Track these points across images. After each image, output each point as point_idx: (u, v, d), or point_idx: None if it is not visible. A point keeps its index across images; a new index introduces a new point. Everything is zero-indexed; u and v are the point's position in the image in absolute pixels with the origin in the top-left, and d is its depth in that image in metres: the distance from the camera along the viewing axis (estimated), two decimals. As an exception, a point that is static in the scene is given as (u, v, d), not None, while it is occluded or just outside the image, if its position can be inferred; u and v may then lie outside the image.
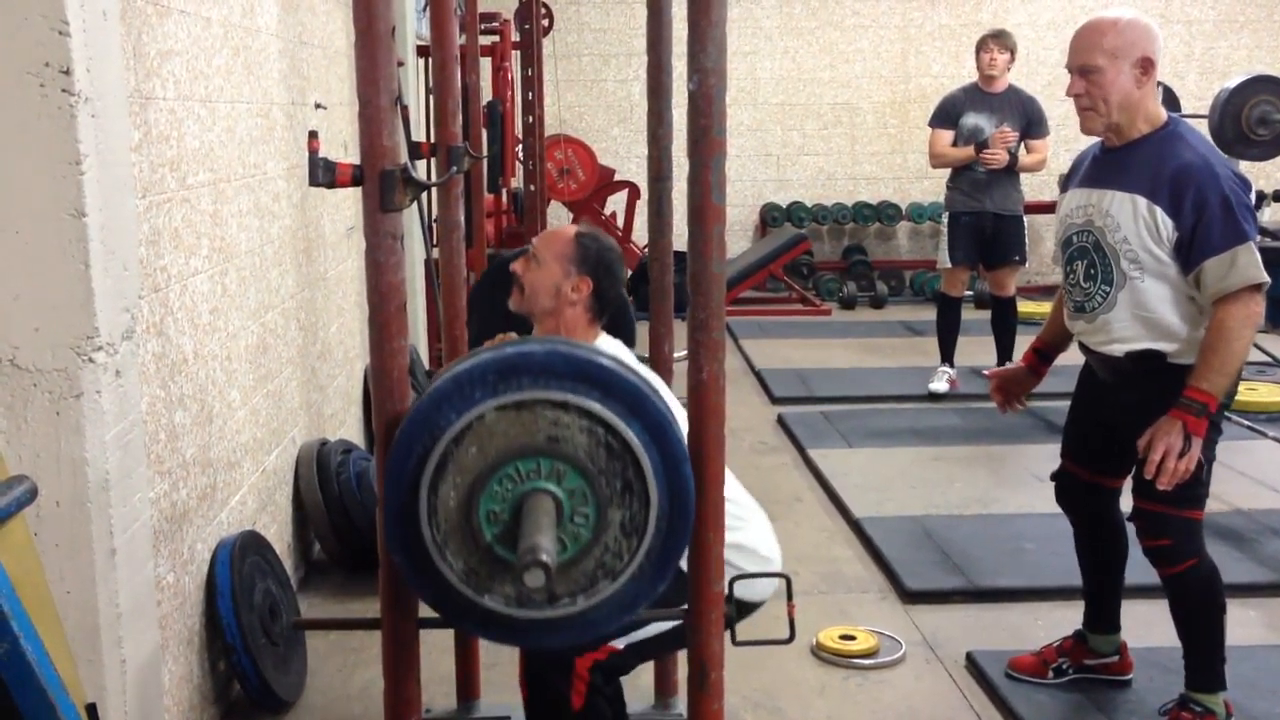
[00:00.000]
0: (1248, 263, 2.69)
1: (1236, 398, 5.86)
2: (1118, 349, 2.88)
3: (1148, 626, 3.45)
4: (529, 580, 1.60)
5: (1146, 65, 2.79)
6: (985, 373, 3.47)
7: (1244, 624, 3.69)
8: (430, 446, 1.71)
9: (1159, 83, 7.29)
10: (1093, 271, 2.88)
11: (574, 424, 1.71)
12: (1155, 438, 2.73)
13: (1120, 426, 2.93)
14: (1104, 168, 2.91)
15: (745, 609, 2.44)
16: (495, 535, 1.72)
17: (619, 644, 2.36)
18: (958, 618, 3.74)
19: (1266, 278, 2.72)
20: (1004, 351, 6.28)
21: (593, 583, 1.76)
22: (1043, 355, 3.24)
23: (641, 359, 2.60)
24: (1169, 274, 2.78)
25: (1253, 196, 2.80)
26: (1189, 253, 2.73)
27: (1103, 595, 3.22)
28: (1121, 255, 2.82)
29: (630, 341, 2.75)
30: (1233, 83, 6.18)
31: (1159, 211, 2.75)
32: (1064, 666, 3.25)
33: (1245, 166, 6.51)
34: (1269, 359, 6.54)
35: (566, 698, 2.35)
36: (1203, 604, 2.92)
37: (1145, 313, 2.82)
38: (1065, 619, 3.38)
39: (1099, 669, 3.25)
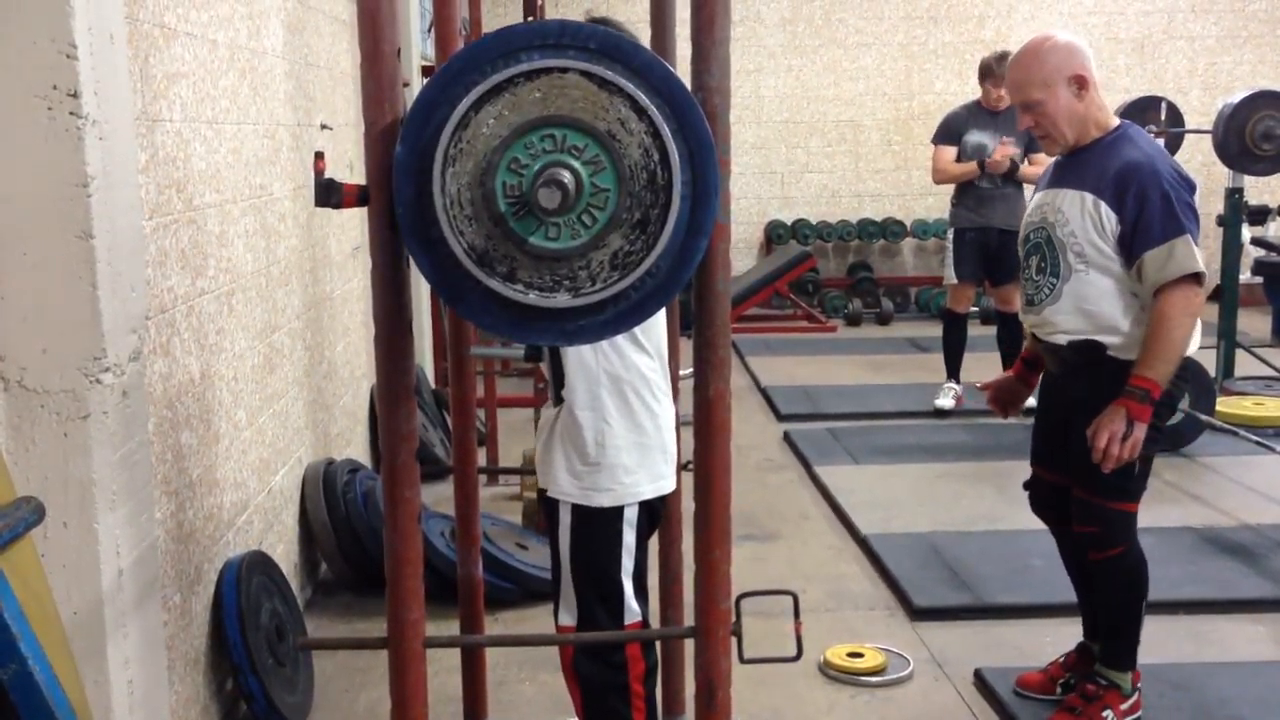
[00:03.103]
0: (1184, 254, 2.81)
1: (1243, 413, 5.92)
2: (1061, 339, 3.01)
3: (1160, 644, 3.44)
4: (544, 199, 1.58)
5: (1081, 81, 2.93)
6: (979, 385, 3.60)
7: (1252, 640, 3.67)
8: (498, 66, 1.65)
9: (1161, 99, 7.27)
10: (1043, 265, 3.03)
11: (637, 135, 1.66)
12: (1100, 425, 2.85)
13: (1070, 423, 3.04)
14: (1062, 170, 3.07)
15: (657, 512, 2.55)
16: (509, 202, 1.66)
17: (633, 619, 2.47)
18: (966, 635, 3.73)
19: (1202, 268, 2.83)
20: (1010, 367, 6.26)
21: (581, 285, 1.71)
22: (1029, 364, 3.36)
23: None
24: (1112, 268, 2.91)
25: (1196, 197, 2.93)
26: (1130, 245, 2.86)
27: (1096, 602, 3.25)
28: (1069, 248, 2.96)
29: None
30: (1236, 98, 6.19)
31: (1103, 206, 2.89)
32: (1071, 682, 3.24)
33: (1249, 181, 6.51)
34: (1276, 374, 6.53)
35: (629, 717, 2.48)
36: (1124, 590, 3.03)
37: (1087, 305, 2.95)
38: (1073, 635, 3.36)
39: None
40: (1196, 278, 2.82)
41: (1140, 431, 2.83)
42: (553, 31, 1.67)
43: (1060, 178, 3.05)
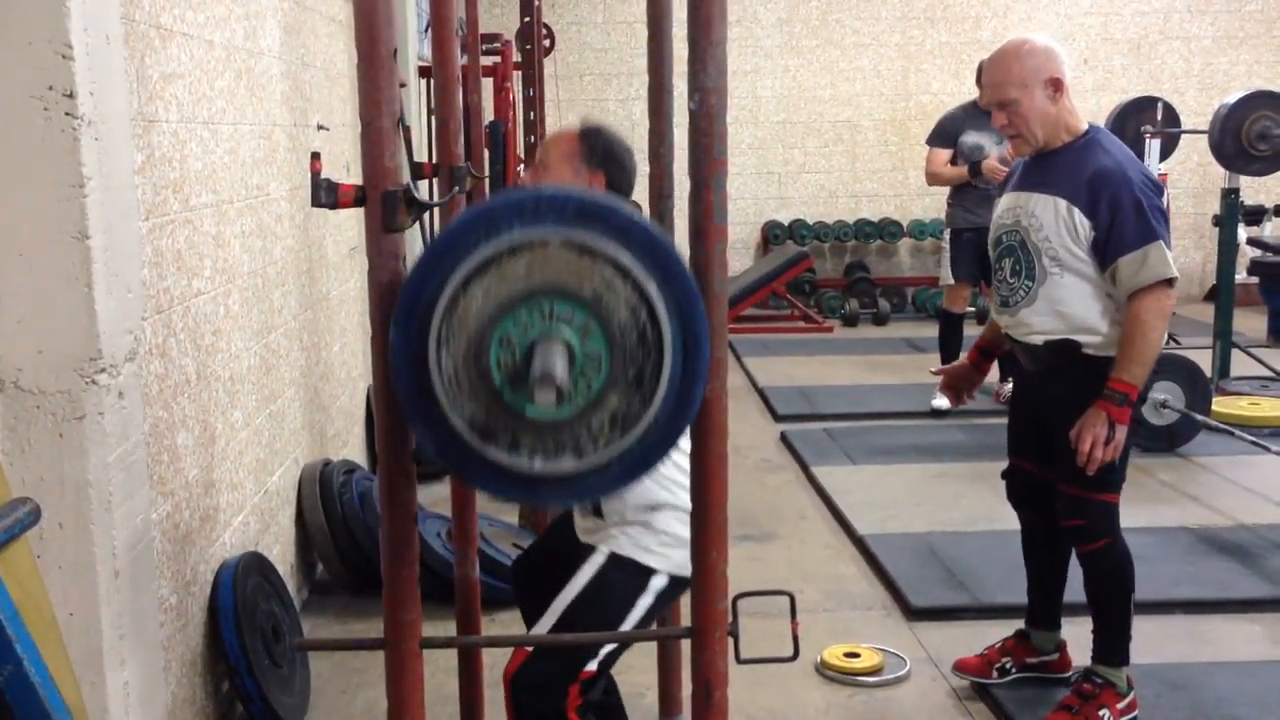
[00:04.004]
0: (1158, 260, 2.89)
1: (1239, 413, 5.93)
2: (1037, 339, 3.08)
3: (1156, 644, 3.46)
4: (540, 396, 1.59)
5: (1056, 84, 2.99)
6: (932, 370, 3.74)
7: (1249, 639, 3.68)
8: (480, 243, 1.65)
9: (1158, 99, 7.29)
10: (1018, 268, 3.09)
11: (623, 295, 1.65)
12: (1083, 428, 2.91)
13: (1049, 419, 3.11)
14: (1032, 173, 3.12)
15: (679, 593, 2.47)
16: (504, 376, 1.66)
17: (592, 666, 2.38)
18: (963, 635, 3.73)
19: (1175, 273, 2.92)
20: (1005, 367, 6.27)
21: (581, 451, 1.71)
22: (984, 353, 3.47)
23: None
24: (1086, 271, 2.97)
25: (1165, 200, 3.02)
26: (1105, 251, 2.93)
27: (1048, 592, 3.34)
28: (1043, 253, 3.02)
29: None
30: (1232, 98, 6.19)
31: (1077, 212, 2.95)
32: (1007, 666, 3.36)
33: (1245, 181, 6.51)
34: (1272, 374, 6.54)
35: None
36: (1112, 582, 3.08)
37: (1061, 307, 3.01)
38: (1069, 635, 3.37)
39: (1040, 667, 3.35)
40: (1169, 281, 2.91)
41: (1121, 434, 2.90)
42: (527, 203, 1.67)
43: (1030, 181, 3.10)
